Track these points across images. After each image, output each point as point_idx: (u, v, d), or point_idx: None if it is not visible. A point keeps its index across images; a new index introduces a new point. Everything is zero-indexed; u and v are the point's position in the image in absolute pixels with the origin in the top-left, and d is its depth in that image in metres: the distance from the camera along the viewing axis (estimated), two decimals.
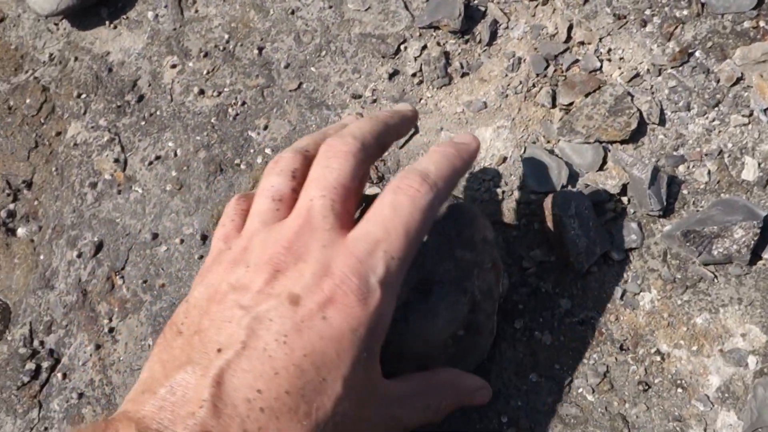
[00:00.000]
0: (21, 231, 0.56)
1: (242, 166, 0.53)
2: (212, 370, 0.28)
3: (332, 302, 0.30)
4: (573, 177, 0.47)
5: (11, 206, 0.57)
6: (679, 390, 0.41)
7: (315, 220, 0.32)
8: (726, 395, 0.40)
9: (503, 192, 0.48)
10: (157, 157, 0.55)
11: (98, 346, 0.49)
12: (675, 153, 0.46)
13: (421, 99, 0.53)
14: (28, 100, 0.61)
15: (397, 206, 0.33)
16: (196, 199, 0.52)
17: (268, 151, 0.53)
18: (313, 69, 0.55)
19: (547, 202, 0.45)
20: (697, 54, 0.48)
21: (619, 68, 0.50)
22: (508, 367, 0.43)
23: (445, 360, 0.39)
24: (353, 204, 0.35)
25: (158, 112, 0.57)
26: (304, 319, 0.29)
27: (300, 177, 0.36)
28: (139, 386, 0.31)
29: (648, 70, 0.49)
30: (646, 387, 0.41)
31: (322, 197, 0.33)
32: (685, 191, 0.45)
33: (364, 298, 0.30)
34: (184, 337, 0.31)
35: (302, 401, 0.28)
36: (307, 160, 0.37)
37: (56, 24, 0.63)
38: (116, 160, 0.55)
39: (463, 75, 0.53)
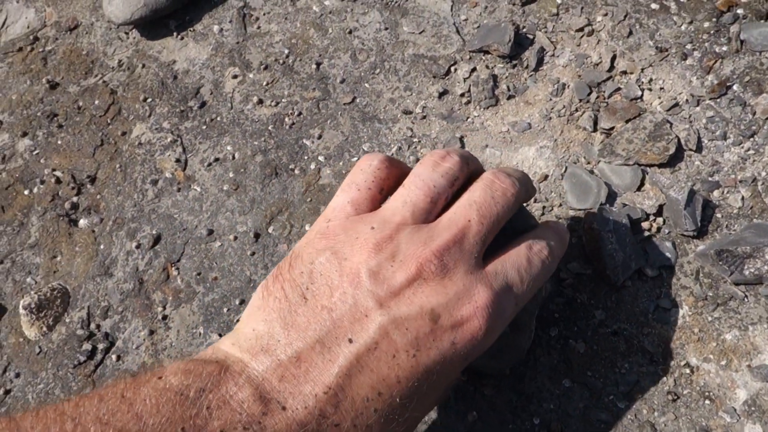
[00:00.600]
0: (83, 222, 0.59)
1: (296, 171, 0.56)
2: (341, 359, 0.29)
3: (464, 328, 0.31)
4: (611, 196, 0.50)
5: (75, 199, 0.60)
6: (707, 401, 0.43)
7: (468, 242, 0.33)
8: (753, 408, 0.42)
9: (543, 207, 0.51)
10: (216, 159, 0.58)
11: (152, 332, 0.52)
12: (710, 179, 0.49)
13: (468, 117, 0.56)
14: (96, 102, 0.65)
15: (532, 262, 0.35)
16: (251, 200, 0.56)
17: (321, 158, 0.56)
18: (366, 85, 0.59)
19: (588, 218, 0.47)
20: (734, 87, 0.51)
21: (659, 97, 0.52)
22: (542, 371, 0.45)
23: (483, 354, 0.40)
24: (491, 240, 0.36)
25: (219, 118, 0.60)
26: (436, 339, 0.30)
27: (457, 187, 0.37)
28: (255, 338, 0.31)
29: (687, 100, 0.51)
30: (675, 397, 0.43)
31: (480, 224, 0.34)
32: (718, 215, 0.48)
33: (491, 334, 0.32)
34: (310, 308, 0.31)
35: (406, 409, 0.30)
36: (468, 174, 0.37)
37: (127, 33, 0.67)
38: (177, 160, 0.59)
39: (510, 97, 0.56)
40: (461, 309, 0.31)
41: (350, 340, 0.29)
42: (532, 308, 0.42)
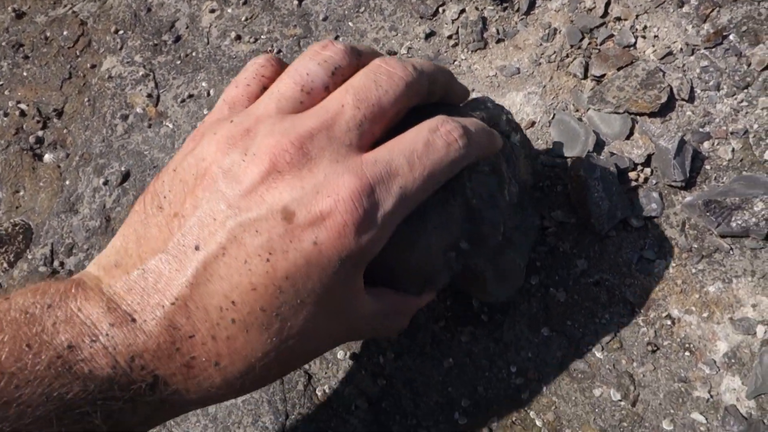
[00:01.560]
0: (48, 157, 0.57)
1: None
2: (188, 268, 0.27)
3: (326, 225, 0.27)
4: (599, 145, 0.48)
5: (40, 133, 0.57)
6: (687, 353, 0.42)
7: (338, 128, 0.29)
8: (732, 361, 0.41)
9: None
10: (190, 96, 0.56)
11: None
12: (701, 129, 0.47)
13: (455, 60, 0.53)
14: (65, 33, 0.61)
15: (432, 145, 0.30)
16: None
17: None
18: (350, 24, 0.56)
19: (574, 165, 0.46)
20: (731, 37, 0.49)
21: (653, 45, 0.51)
22: (521, 320, 0.44)
23: (448, 276, 0.36)
24: (379, 132, 0.31)
25: (194, 54, 0.58)
26: (293, 240, 0.27)
27: (340, 77, 0.32)
28: (112, 254, 0.29)
29: (681, 49, 0.50)
30: (655, 348, 0.42)
31: (356, 108, 0.29)
32: (707, 166, 0.46)
33: (363, 232, 0.28)
34: (164, 216, 0.28)
35: (276, 320, 0.27)
36: (356, 65, 0.32)
37: None
38: (149, 95, 0.56)
39: (499, 41, 0.54)
40: (319, 203, 0.27)
41: (197, 248, 0.27)
42: (494, 219, 0.36)
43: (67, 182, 0.55)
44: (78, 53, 0.60)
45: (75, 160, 0.55)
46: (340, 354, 0.44)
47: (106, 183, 0.53)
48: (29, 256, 0.53)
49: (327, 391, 0.44)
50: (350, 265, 0.28)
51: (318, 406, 0.43)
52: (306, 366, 0.44)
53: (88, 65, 0.59)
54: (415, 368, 0.44)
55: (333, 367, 0.44)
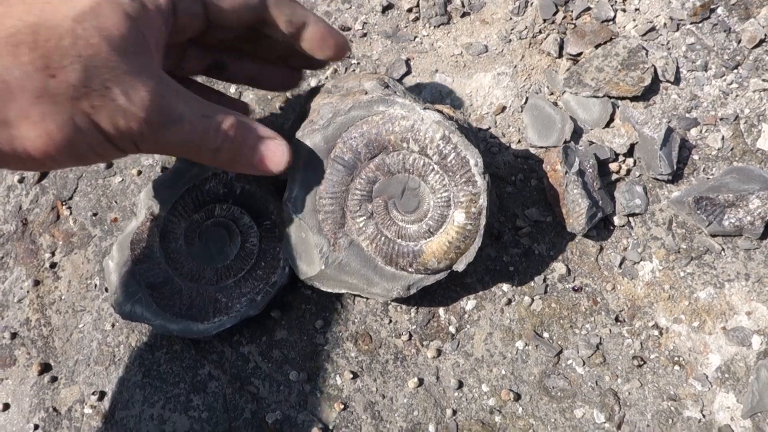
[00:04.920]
0: None
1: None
2: None
3: None
4: (577, 133, 0.43)
5: None
6: (677, 367, 0.38)
7: None
8: (726, 375, 0.37)
9: (500, 144, 0.44)
10: None
11: (37, 282, 0.44)
12: (688, 115, 0.43)
13: (415, 37, 0.48)
14: None
15: None
16: None
17: None
18: None
19: (550, 157, 0.41)
20: (719, 11, 0.45)
21: (634, 20, 0.46)
22: (493, 332, 0.40)
23: None
24: None
25: None
26: None
27: None
28: None
29: (665, 24, 0.45)
30: (641, 362, 0.38)
31: None
32: (695, 156, 0.42)
33: None
34: None
35: None
36: None
37: None
38: None
39: (464, 15, 0.48)
40: None
41: None
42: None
43: None
44: None
45: None
46: (292, 375, 0.39)
47: (21, 180, 0.47)
48: None
49: (278, 418, 0.39)
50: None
51: None
52: (254, 389, 0.39)
53: None
54: (376, 390, 0.39)
55: (284, 390, 0.39)
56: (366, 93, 0.37)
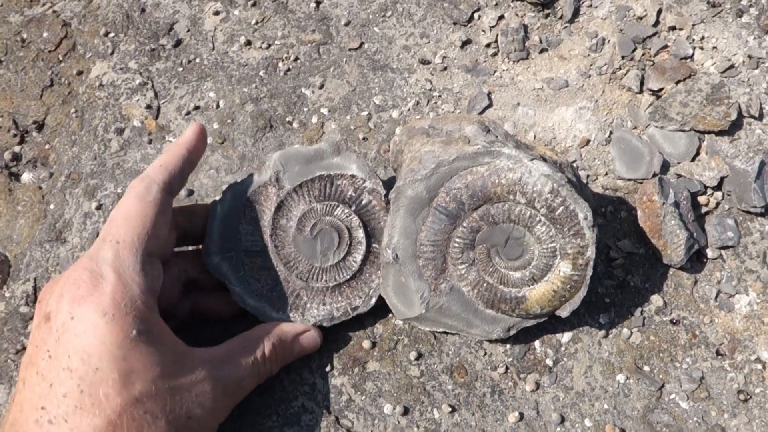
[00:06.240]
0: (27, 176, 0.49)
1: (294, 124, 0.47)
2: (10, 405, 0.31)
3: (70, 300, 0.30)
4: (664, 166, 0.43)
5: (17, 148, 0.50)
6: None
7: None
8: None
9: (587, 176, 0.44)
10: (197, 107, 0.49)
11: None
12: None
13: (495, 71, 0.48)
14: (45, 34, 0.54)
15: (120, 201, 0.34)
16: (240, 156, 0.47)
17: (324, 110, 0.48)
18: (376, 29, 0.50)
19: (646, 188, 0.41)
20: None
21: (712, 58, 0.46)
22: (592, 365, 0.39)
23: None
24: None
25: (198, 60, 0.51)
26: (59, 328, 0.30)
27: None
28: None
29: (743, 62, 0.46)
30: (747, 397, 0.38)
31: None
32: None
33: (96, 284, 0.31)
34: None
35: (84, 396, 0.29)
36: None
37: None
38: (148, 107, 0.49)
39: (542, 51, 0.49)
40: (58, 289, 0.32)
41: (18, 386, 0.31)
42: None
43: (52, 206, 0.47)
44: (60, 58, 0.53)
45: (60, 180, 0.48)
46: (386, 408, 0.38)
47: (99, 207, 0.46)
48: (6, 294, 0.45)
49: None
50: (117, 317, 0.31)
51: None
52: (348, 423, 0.38)
53: (74, 72, 0.52)
54: (475, 424, 0.38)
55: (379, 424, 0.38)
56: (469, 141, 0.37)
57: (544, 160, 0.36)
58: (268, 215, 0.39)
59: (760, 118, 0.44)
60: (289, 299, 0.39)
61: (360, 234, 0.39)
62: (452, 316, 0.38)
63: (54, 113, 0.51)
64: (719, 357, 0.39)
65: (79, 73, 0.52)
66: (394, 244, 0.37)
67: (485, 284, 0.37)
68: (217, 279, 0.39)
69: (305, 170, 0.39)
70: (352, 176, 0.39)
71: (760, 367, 0.38)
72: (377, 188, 0.39)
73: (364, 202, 0.39)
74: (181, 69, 0.51)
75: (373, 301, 0.39)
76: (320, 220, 0.39)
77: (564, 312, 0.37)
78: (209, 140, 0.47)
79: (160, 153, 0.48)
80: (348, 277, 0.39)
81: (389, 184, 0.40)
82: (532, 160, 0.35)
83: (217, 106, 0.49)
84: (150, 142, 0.48)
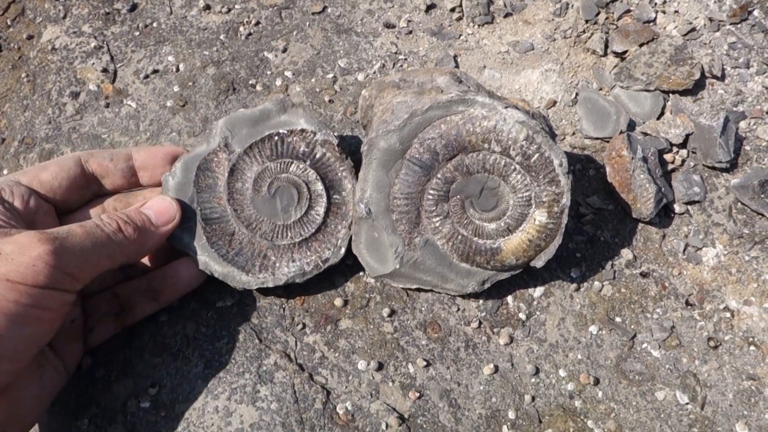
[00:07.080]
0: None
1: (258, 87, 0.46)
2: None
3: None
4: (631, 125, 0.44)
5: None
6: (752, 348, 0.38)
7: None
8: None
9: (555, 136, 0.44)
10: (155, 71, 0.47)
11: None
12: (735, 109, 0.44)
13: (461, 35, 0.48)
14: None
15: None
16: (203, 119, 0.45)
17: (288, 74, 0.47)
18: None
19: (614, 144, 0.41)
20: (755, 13, 0.46)
21: (674, 21, 0.47)
22: (565, 318, 0.39)
23: None
24: None
25: (155, 24, 0.49)
26: None
27: None
28: None
29: (705, 24, 0.47)
30: (717, 344, 0.38)
31: None
32: (747, 147, 0.43)
33: None
34: None
35: None
36: None
37: None
38: (104, 70, 0.47)
39: (507, 15, 0.49)
40: None
41: None
42: None
43: (5, 171, 0.45)
44: (9, 23, 0.51)
45: (13, 145, 0.46)
46: (360, 365, 0.37)
47: None
48: None
49: (350, 408, 0.36)
50: None
51: (341, 427, 0.36)
52: (322, 379, 0.37)
53: (24, 36, 0.50)
54: (450, 377, 0.37)
55: (353, 380, 0.37)
56: (442, 91, 0.36)
57: (518, 108, 0.36)
58: (222, 181, 0.38)
59: (722, 78, 0.45)
60: (256, 261, 0.38)
61: (319, 187, 0.38)
62: (427, 271, 0.37)
63: (4, 78, 0.49)
64: (689, 307, 0.39)
65: (30, 37, 0.50)
66: (366, 198, 0.36)
67: (460, 237, 0.36)
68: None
69: (253, 132, 0.38)
70: (302, 131, 0.38)
71: (728, 315, 0.39)
72: (329, 139, 0.38)
73: (318, 156, 0.38)
74: (137, 33, 0.49)
75: (343, 251, 0.38)
76: (276, 178, 0.38)
77: (539, 262, 0.36)
78: (169, 103, 0.46)
79: (117, 117, 0.46)
80: (313, 230, 0.38)
81: (356, 144, 0.39)
82: (506, 107, 0.35)
83: (177, 69, 0.47)
84: (107, 105, 0.46)
